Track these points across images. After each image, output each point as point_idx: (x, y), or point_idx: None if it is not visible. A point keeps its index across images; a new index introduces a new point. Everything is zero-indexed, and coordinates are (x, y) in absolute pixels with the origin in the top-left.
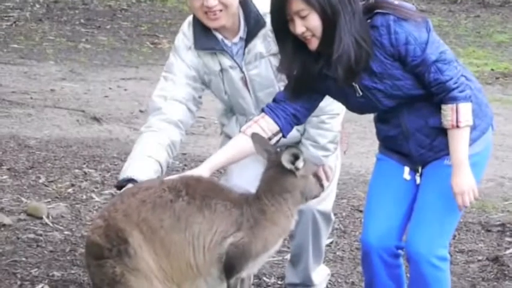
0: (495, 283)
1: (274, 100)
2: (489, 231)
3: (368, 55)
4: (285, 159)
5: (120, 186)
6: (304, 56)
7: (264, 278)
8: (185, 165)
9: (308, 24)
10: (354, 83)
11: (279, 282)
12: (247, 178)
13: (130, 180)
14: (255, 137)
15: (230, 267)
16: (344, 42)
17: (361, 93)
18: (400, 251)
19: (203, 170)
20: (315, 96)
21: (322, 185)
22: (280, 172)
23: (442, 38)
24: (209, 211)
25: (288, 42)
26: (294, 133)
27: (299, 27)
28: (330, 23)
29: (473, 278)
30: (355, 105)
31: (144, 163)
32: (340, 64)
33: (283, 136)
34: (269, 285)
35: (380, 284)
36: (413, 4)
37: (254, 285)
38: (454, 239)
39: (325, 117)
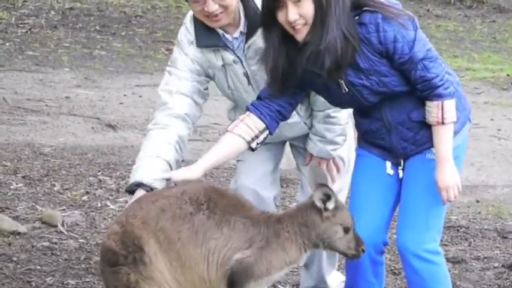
0: None
1: (258, 98)
2: (505, 238)
3: (354, 50)
4: (316, 196)
5: (131, 190)
6: (289, 49)
7: (279, 286)
8: None
9: (301, 11)
10: (340, 80)
11: None
12: (254, 178)
13: (140, 184)
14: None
15: (232, 282)
16: (331, 35)
17: (346, 90)
18: (384, 248)
19: (197, 171)
20: (298, 92)
21: (356, 249)
22: (310, 205)
23: (458, 43)
24: (227, 228)
25: (275, 34)
26: (302, 126)
27: (292, 14)
28: (322, 13)
29: (489, 285)
30: (339, 101)
31: (152, 164)
32: (327, 57)
33: (270, 133)
34: None
35: (364, 281)
36: (428, 9)
37: None
38: (469, 245)
39: (330, 111)
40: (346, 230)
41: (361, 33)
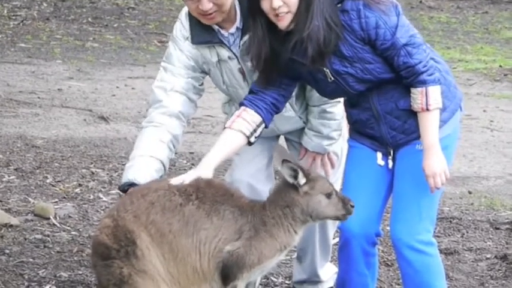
0: (504, 281)
1: (250, 91)
2: (498, 229)
3: (338, 38)
4: (285, 173)
5: (123, 190)
6: (273, 39)
7: (272, 278)
8: (192, 164)
9: None
10: (324, 68)
11: (287, 281)
12: (249, 171)
13: (132, 184)
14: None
15: (225, 274)
16: (315, 23)
17: (332, 79)
18: (377, 239)
19: (207, 171)
20: (289, 83)
21: (345, 208)
22: (285, 185)
23: (450, 34)
24: (217, 217)
25: (259, 23)
26: (297, 119)
27: (276, 1)
28: (307, 1)
29: (482, 276)
30: (326, 90)
31: (146, 164)
32: (309, 44)
33: (266, 126)
34: (277, 285)
35: (356, 273)
36: (420, 1)
37: (262, 285)
38: (462, 237)
39: (326, 107)
40: (328, 196)
41: (344, 21)
